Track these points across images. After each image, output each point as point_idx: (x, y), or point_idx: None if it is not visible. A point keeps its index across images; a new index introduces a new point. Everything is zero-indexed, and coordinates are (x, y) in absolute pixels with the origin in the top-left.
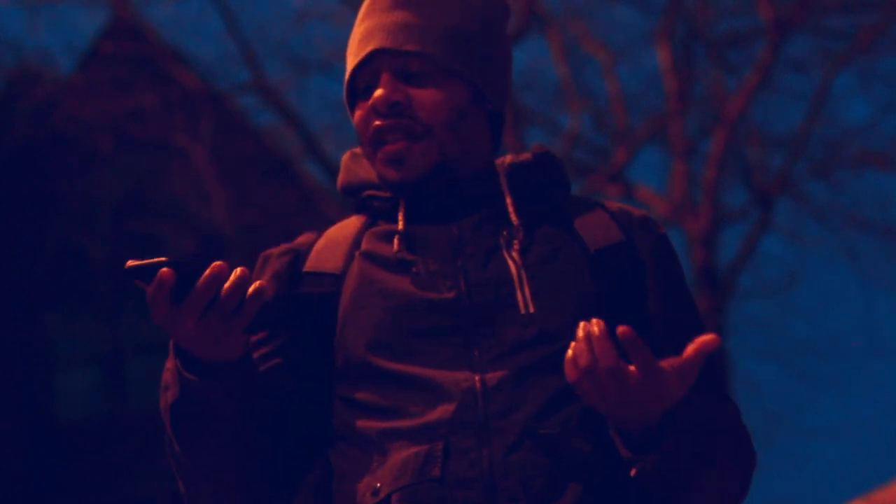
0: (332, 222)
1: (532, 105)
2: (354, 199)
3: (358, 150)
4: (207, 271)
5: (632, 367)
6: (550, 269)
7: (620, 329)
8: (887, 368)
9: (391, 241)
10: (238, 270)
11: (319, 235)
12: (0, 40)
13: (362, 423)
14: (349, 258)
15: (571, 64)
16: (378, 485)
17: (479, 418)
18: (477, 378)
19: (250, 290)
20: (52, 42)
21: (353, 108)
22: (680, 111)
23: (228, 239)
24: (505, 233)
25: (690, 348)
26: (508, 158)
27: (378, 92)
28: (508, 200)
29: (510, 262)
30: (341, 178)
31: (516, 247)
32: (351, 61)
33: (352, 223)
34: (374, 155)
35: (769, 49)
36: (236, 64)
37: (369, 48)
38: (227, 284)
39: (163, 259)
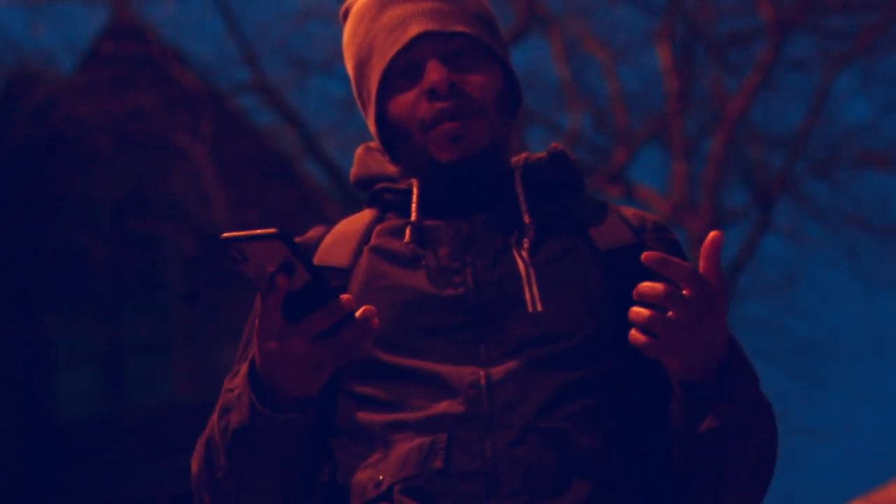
0: (333, 222)
1: (532, 105)
2: (367, 192)
3: (373, 143)
4: (343, 298)
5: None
6: (559, 269)
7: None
8: (887, 368)
9: (401, 236)
10: (368, 308)
11: (329, 230)
12: (0, 40)
13: (367, 417)
14: (357, 252)
15: (572, 64)
16: (381, 476)
17: (484, 412)
18: (482, 373)
19: (368, 320)
20: (52, 42)
21: (385, 96)
22: (680, 111)
23: None
24: (516, 231)
25: (703, 249)
26: (524, 156)
27: (434, 74)
28: (522, 199)
29: (519, 261)
30: (354, 171)
31: (526, 245)
32: (386, 49)
33: (362, 217)
34: (428, 135)
35: (770, 49)
36: (236, 64)
37: (412, 32)
38: (359, 313)
39: (271, 231)
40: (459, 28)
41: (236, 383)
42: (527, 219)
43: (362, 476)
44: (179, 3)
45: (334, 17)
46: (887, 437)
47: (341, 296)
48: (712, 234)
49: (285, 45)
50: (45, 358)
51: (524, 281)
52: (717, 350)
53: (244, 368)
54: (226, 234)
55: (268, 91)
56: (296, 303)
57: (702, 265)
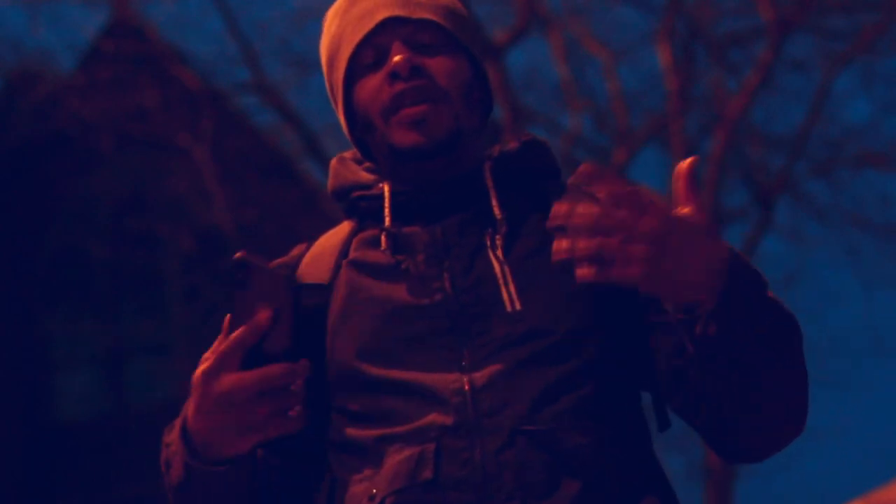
0: (332, 222)
1: (532, 105)
2: (344, 202)
3: (347, 153)
4: (296, 366)
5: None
6: (537, 264)
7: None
8: (888, 368)
9: (378, 245)
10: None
11: (309, 246)
12: (0, 39)
13: (358, 432)
14: (336, 267)
15: (572, 64)
16: (374, 490)
17: (470, 418)
18: (465, 378)
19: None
20: (52, 41)
21: (351, 85)
22: (680, 111)
23: (228, 239)
24: (490, 230)
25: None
26: (497, 148)
27: (397, 57)
28: (492, 194)
29: (494, 261)
30: (331, 183)
31: (500, 244)
32: (353, 36)
33: (341, 230)
34: (390, 121)
35: (769, 49)
36: (236, 63)
37: (378, 17)
38: (297, 384)
39: (284, 274)
40: (426, 15)
41: (173, 437)
42: (498, 214)
43: (357, 490)
44: (179, 2)
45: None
46: (887, 437)
47: (296, 364)
48: (687, 161)
49: (285, 45)
50: (45, 358)
51: (500, 281)
52: (708, 270)
53: (178, 422)
54: (241, 256)
55: (268, 91)
56: (258, 356)
57: (676, 187)
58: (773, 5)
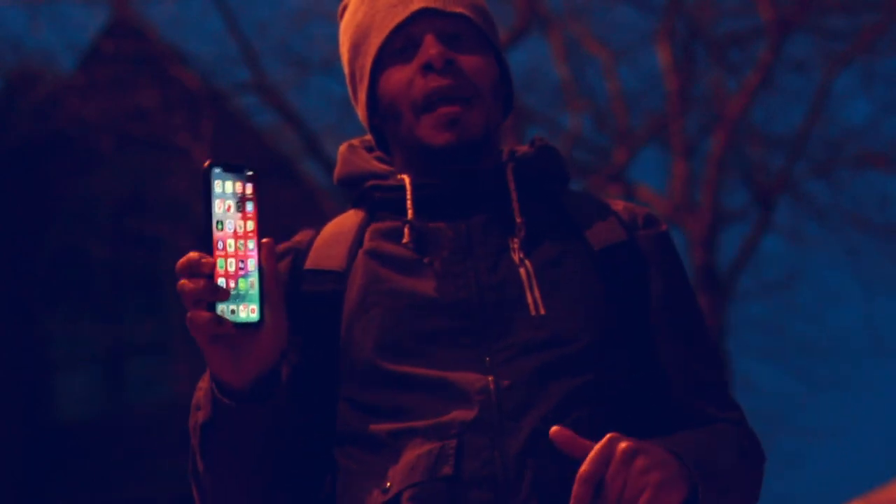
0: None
1: (532, 105)
2: (353, 191)
3: (356, 141)
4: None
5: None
6: (559, 271)
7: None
8: (888, 369)
9: (397, 238)
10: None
11: (317, 232)
12: (0, 39)
13: (372, 425)
14: (352, 255)
15: (572, 64)
16: (388, 483)
17: (494, 418)
18: (490, 379)
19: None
20: (52, 41)
21: (379, 72)
22: (680, 111)
23: None
24: (513, 232)
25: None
26: (508, 150)
27: (432, 50)
28: (514, 197)
29: (518, 264)
30: (339, 170)
31: (525, 248)
32: (386, 23)
33: (350, 218)
34: (421, 117)
35: (769, 49)
36: (236, 64)
37: (414, 7)
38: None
39: (250, 173)
40: (459, 10)
41: (203, 383)
42: (518, 218)
43: (369, 483)
44: (179, 2)
45: (334, 16)
46: (887, 437)
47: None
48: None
49: (285, 45)
50: (45, 358)
51: (525, 285)
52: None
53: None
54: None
55: (268, 91)
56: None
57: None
58: (773, 5)
